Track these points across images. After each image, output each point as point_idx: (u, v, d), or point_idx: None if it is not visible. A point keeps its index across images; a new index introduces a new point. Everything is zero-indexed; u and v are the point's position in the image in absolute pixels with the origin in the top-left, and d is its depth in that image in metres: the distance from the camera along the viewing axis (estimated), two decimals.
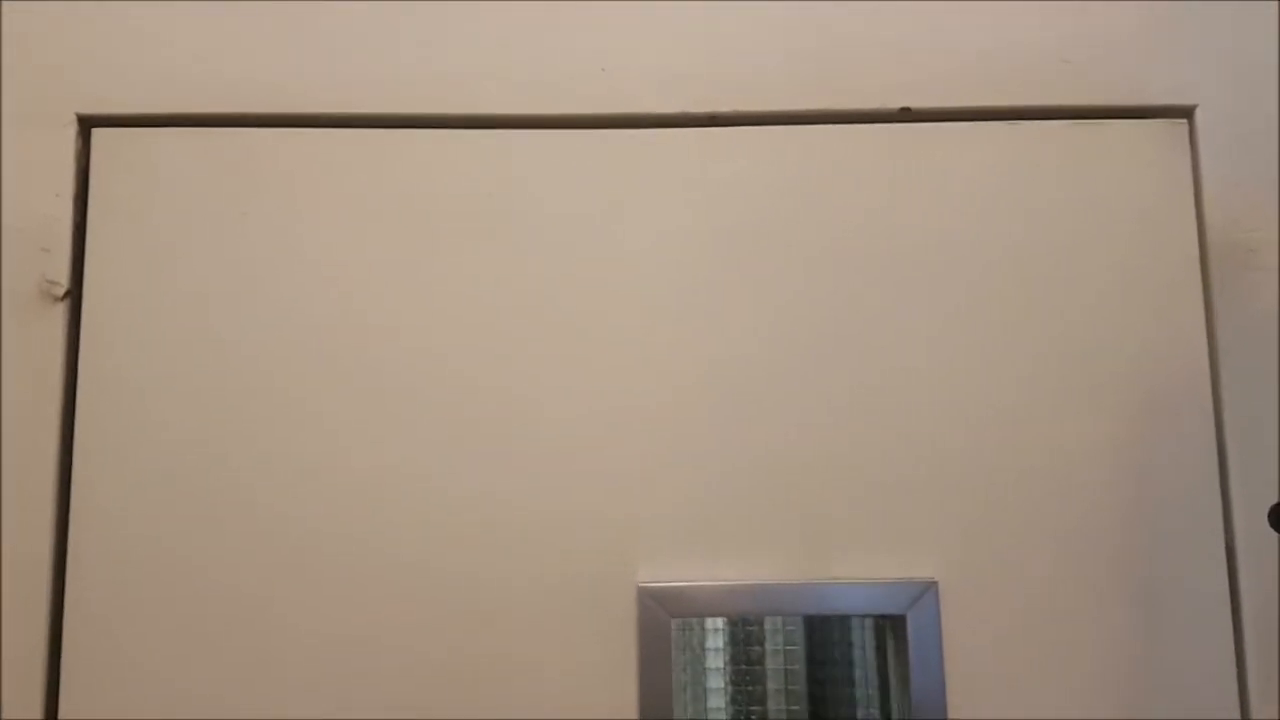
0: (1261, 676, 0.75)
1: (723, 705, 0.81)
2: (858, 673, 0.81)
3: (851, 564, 0.76)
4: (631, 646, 0.75)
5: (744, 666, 0.82)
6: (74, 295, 0.78)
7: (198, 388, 0.78)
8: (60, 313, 0.78)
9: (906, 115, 0.81)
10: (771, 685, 0.81)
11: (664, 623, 0.75)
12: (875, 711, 0.80)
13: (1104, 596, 0.75)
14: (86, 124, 0.80)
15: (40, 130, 0.80)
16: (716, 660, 0.82)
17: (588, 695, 0.75)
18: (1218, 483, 0.77)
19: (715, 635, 0.82)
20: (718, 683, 0.81)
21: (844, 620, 0.82)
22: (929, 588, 0.75)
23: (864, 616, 0.79)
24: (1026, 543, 0.76)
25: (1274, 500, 0.76)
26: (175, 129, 0.80)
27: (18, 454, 0.76)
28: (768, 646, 0.82)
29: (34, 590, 0.75)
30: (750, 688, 0.81)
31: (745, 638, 0.82)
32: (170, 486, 0.76)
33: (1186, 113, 0.81)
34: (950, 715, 0.74)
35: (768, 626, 0.82)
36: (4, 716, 0.73)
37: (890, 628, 0.78)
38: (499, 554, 0.76)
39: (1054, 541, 0.76)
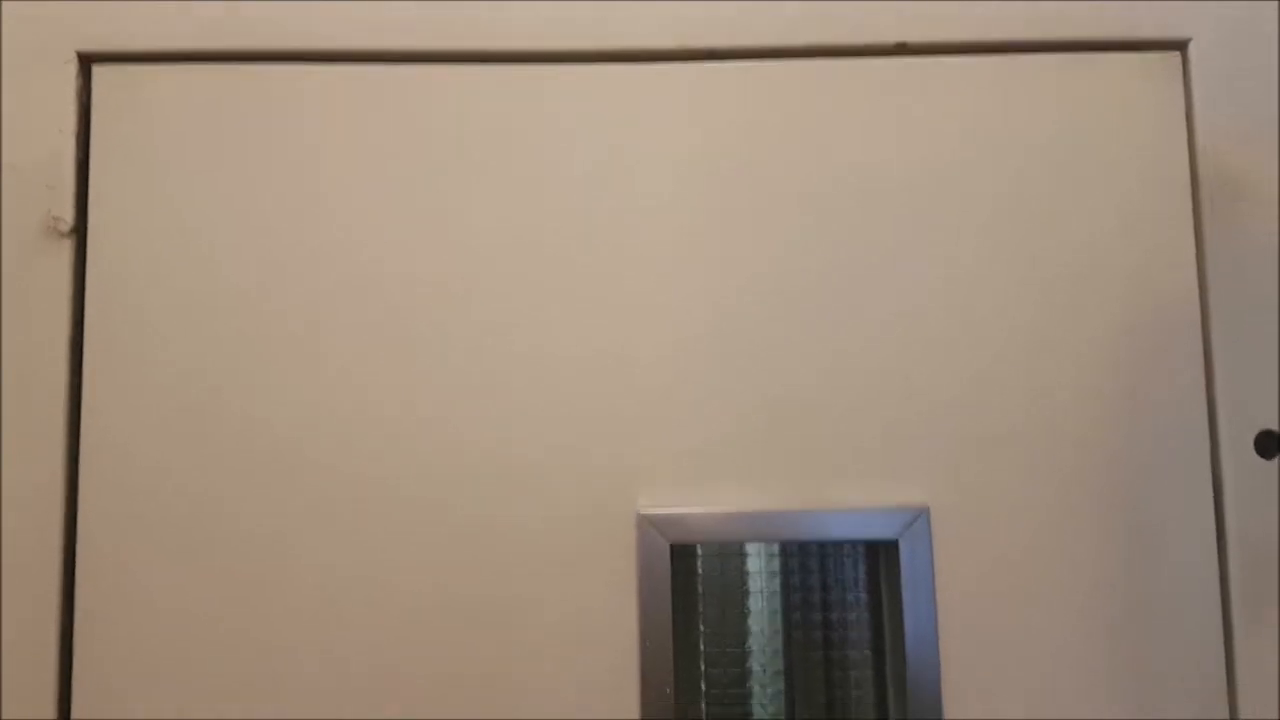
0: (1247, 600, 0.76)
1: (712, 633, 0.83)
2: (849, 598, 0.82)
3: (846, 491, 0.78)
4: (631, 571, 0.77)
5: (735, 594, 0.83)
6: (79, 231, 0.79)
7: (204, 321, 0.79)
8: (66, 249, 0.79)
9: (902, 50, 0.82)
10: (767, 609, 0.83)
11: (662, 548, 0.77)
12: (868, 634, 0.82)
13: (1093, 523, 0.77)
14: (86, 61, 0.81)
15: (40, 68, 0.80)
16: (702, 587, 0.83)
17: (588, 618, 0.77)
18: (1205, 410, 0.78)
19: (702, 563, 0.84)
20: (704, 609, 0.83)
21: (836, 547, 0.83)
22: (921, 513, 0.77)
23: (857, 543, 0.81)
24: (1018, 470, 0.78)
25: (1261, 428, 0.78)
26: (176, 64, 0.81)
27: (27, 389, 0.77)
28: (762, 569, 0.83)
29: (45, 525, 0.77)
30: (740, 613, 0.83)
31: (738, 565, 0.83)
32: (179, 419, 0.78)
33: (1180, 46, 0.82)
34: (942, 639, 0.76)
35: (762, 552, 0.84)
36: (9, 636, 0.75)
37: (883, 553, 0.80)
38: (501, 482, 0.78)
39: (1045, 468, 0.78)
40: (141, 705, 0.76)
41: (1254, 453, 0.78)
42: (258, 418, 0.78)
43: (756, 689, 0.82)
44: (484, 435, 0.79)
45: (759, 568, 0.83)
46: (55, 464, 0.77)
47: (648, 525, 0.77)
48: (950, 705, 0.75)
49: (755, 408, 0.79)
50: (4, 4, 0.80)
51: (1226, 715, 0.75)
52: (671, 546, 0.77)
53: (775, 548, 0.83)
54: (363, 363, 0.79)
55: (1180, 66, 0.82)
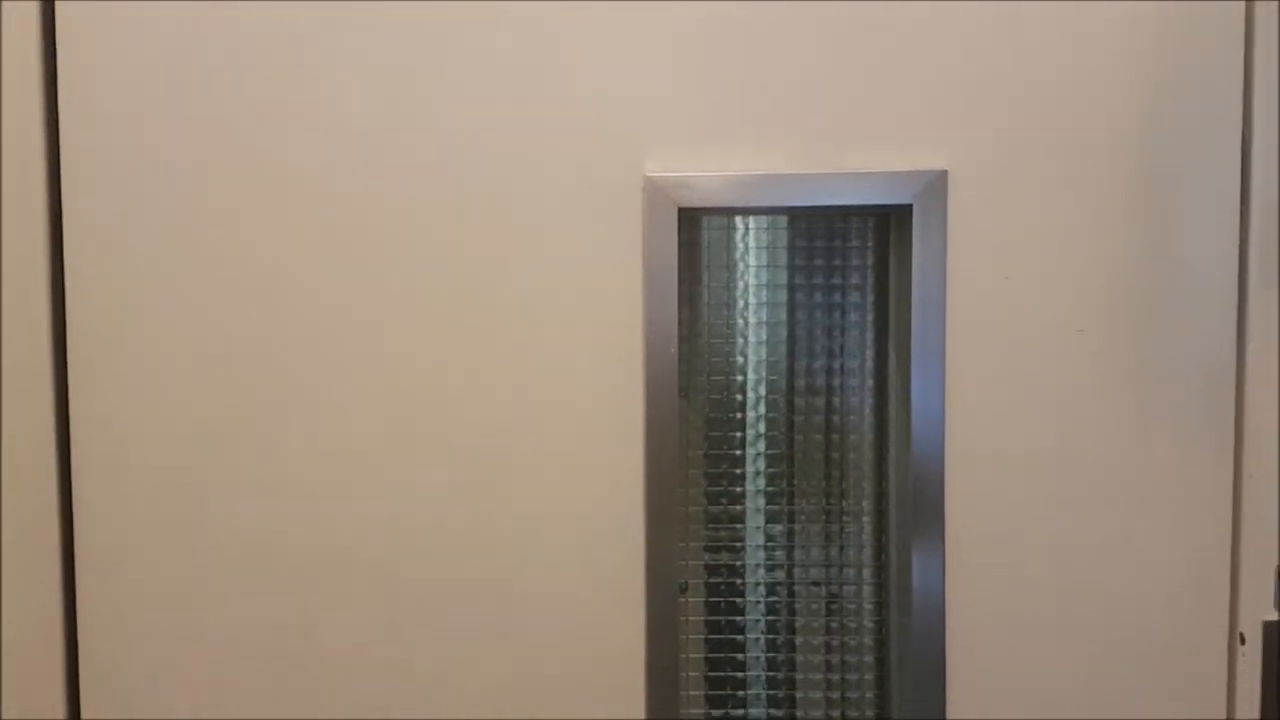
0: (1264, 271, 0.75)
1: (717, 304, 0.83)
2: (855, 273, 0.81)
3: (862, 156, 0.75)
4: (637, 236, 0.75)
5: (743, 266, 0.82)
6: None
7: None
8: None
9: None
10: (765, 281, 0.82)
11: (670, 212, 0.75)
12: (871, 298, 0.81)
13: (1115, 189, 0.75)
14: None
15: None
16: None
17: (593, 284, 0.75)
18: (1240, 82, 0.74)
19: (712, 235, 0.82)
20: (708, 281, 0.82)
21: (844, 220, 0.81)
22: (939, 177, 0.74)
23: (871, 209, 0.79)
24: (1040, 134, 0.75)
25: None
26: None
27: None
28: (764, 244, 0.82)
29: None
30: (742, 285, 0.82)
31: (743, 238, 0.82)
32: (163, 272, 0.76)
33: None
34: (949, 305, 0.75)
35: (766, 225, 0.82)
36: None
37: (895, 222, 0.78)
38: (506, 145, 0.75)
39: (1068, 133, 0.75)
40: (146, 704, 0.77)
41: None
42: (236, 216, 0.75)
43: (755, 360, 0.82)
44: (487, 96, 0.75)
45: (765, 242, 0.82)
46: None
47: (655, 189, 0.75)
48: (953, 370, 0.76)
49: (768, 67, 0.74)
50: None
51: (1233, 394, 0.76)
52: (679, 210, 0.75)
53: (781, 220, 0.81)
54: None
55: None
